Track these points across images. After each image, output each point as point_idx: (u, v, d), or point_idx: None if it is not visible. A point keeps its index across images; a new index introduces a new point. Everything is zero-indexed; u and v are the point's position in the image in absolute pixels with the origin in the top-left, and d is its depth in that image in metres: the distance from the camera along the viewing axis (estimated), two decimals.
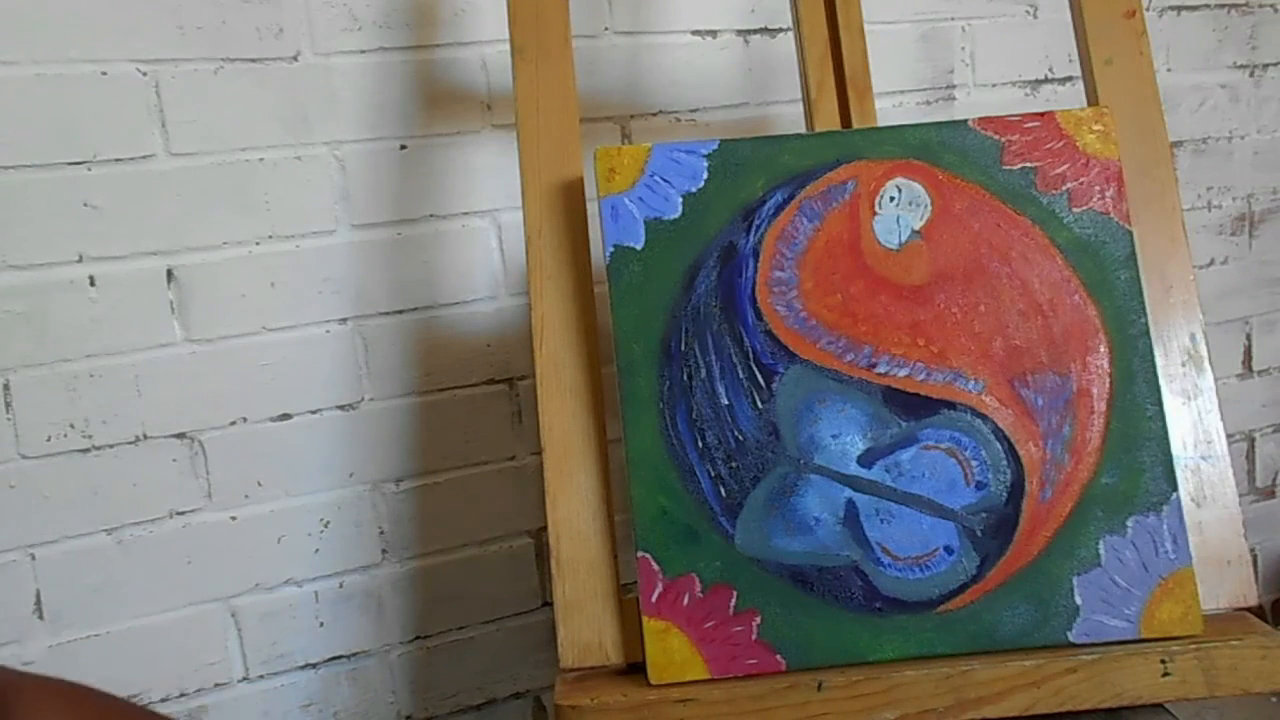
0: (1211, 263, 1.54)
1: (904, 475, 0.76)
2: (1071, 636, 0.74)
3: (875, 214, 0.80)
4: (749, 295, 0.79)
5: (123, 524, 1.02)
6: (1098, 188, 0.79)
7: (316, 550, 1.10)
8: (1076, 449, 0.76)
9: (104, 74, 0.99)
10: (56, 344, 0.99)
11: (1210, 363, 0.81)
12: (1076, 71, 0.91)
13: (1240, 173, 1.55)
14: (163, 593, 1.04)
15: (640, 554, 0.76)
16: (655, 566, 0.75)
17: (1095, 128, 0.80)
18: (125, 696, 1.03)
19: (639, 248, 0.79)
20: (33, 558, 0.98)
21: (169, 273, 1.02)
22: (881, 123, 0.91)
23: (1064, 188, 0.79)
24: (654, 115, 1.21)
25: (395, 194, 1.11)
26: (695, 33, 1.22)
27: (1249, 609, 0.77)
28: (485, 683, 1.19)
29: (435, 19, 1.11)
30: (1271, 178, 1.57)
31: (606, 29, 1.19)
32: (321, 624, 1.11)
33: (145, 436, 1.02)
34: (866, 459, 0.76)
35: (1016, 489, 0.76)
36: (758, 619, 0.75)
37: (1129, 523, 0.75)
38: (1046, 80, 1.41)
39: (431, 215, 1.13)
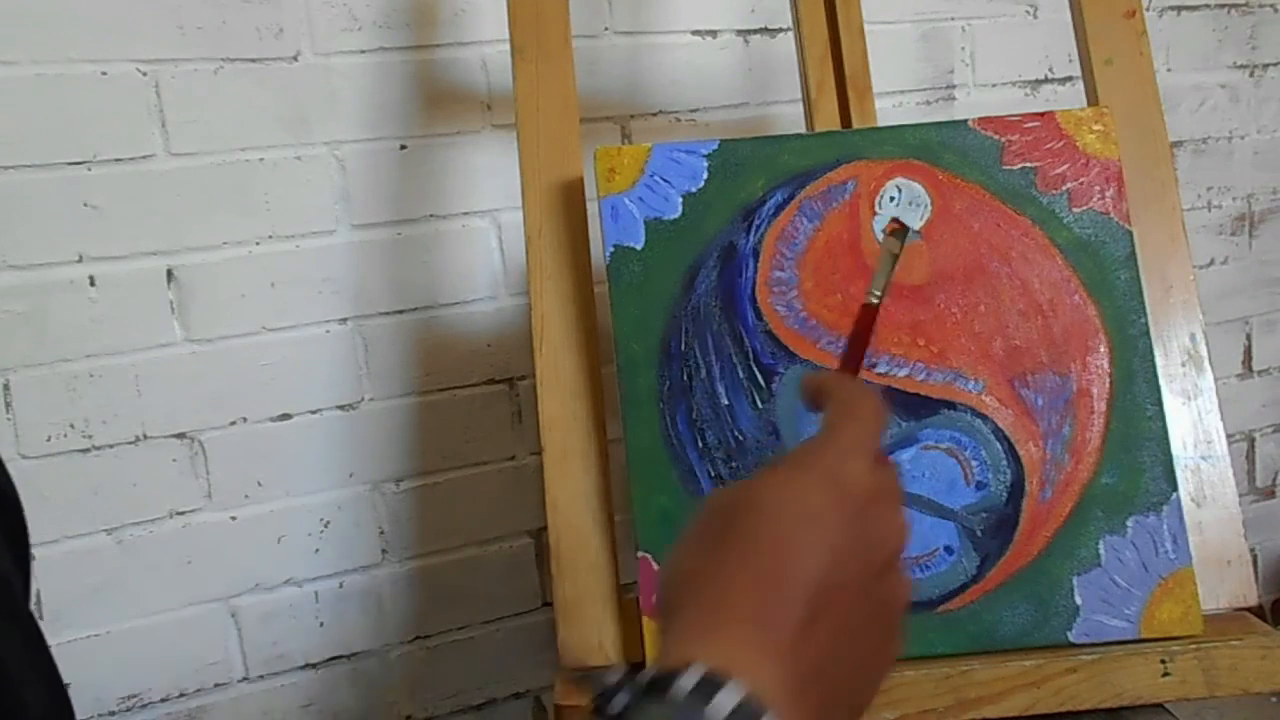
0: (1211, 263, 1.54)
1: (904, 475, 0.76)
2: (1071, 636, 0.74)
3: (875, 214, 0.80)
4: (749, 295, 0.79)
5: (123, 524, 1.02)
6: (1098, 188, 0.79)
7: (316, 550, 1.10)
8: (1076, 449, 0.76)
9: (104, 74, 0.99)
10: (56, 344, 0.99)
11: (1210, 363, 0.81)
12: (1076, 71, 0.91)
13: (1240, 173, 1.55)
14: (163, 593, 1.04)
15: (640, 554, 0.76)
16: (655, 567, 0.75)
17: (1095, 128, 0.80)
18: (125, 696, 1.03)
19: (639, 248, 0.79)
20: (33, 558, 0.98)
21: (169, 273, 1.02)
22: (881, 123, 0.91)
23: (1064, 188, 0.79)
24: (654, 115, 1.21)
25: (395, 194, 1.11)
26: (695, 33, 1.22)
27: (1249, 609, 0.77)
28: (485, 683, 1.19)
29: (435, 19, 1.11)
30: (1271, 178, 1.57)
31: (606, 29, 1.19)
32: (321, 624, 1.11)
33: (145, 436, 1.02)
34: None
35: (1016, 489, 0.76)
36: None
37: (1129, 523, 0.75)
38: (1046, 80, 1.41)
39: (431, 215, 1.13)
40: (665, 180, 0.80)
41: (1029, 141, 0.80)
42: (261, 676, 1.09)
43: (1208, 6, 1.50)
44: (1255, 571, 1.30)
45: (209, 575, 1.06)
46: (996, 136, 0.80)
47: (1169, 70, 1.47)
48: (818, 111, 0.90)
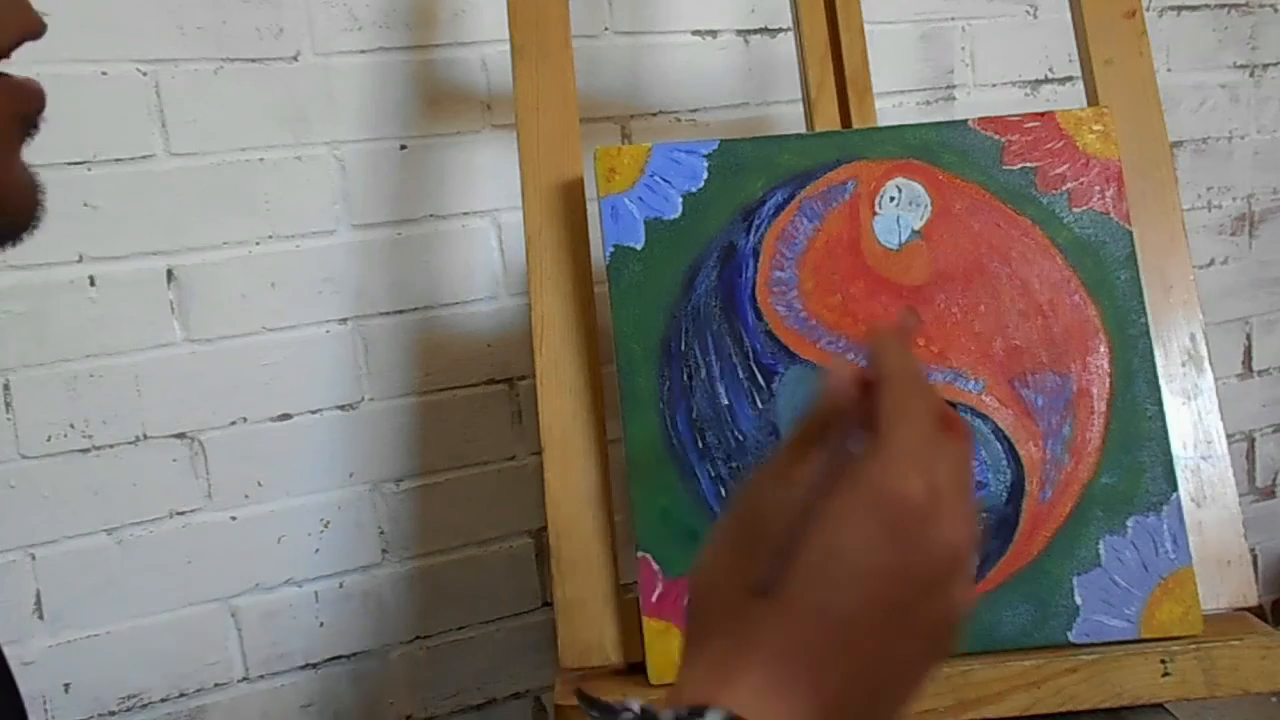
0: (1211, 263, 1.54)
1: None
2: (1071, 636, 0.74)
3: (875, 214, 0.80)
4: (749, 295, 0.79)
5: (123, 524, 1.02)
6: (1098, 188, 0.79)
7: (316, 550, 1.10)
8: (1076, 449, 0.76)
9: (104, 74, 0.99)
10: (56, 344, 0.99)
11: (1210, 363, 0.81)
12: (1076, 71, 0.91)
13: (1240, 173, 1.55)
14: (163, 593, 1.04)
15: (640, 554, 0.76)
16: (655, 567, 0.75)
17: (1095, 128, 0.80)
18: (125, 696, 1.03)
19: (639, 248, 0.79)
20: (33, 558, 0.98)
21: (169, 273, 1.02)
22: (881, 123, 0.91)
23: (1064, 188, 0.79)
24: (654, 115, 1.21)
25: (395, 194, 1.11)
26: (695, 33, 1.22)
27: (1249, 609, 0.77)
28: (485, 683, 1.19)
29: (435, 19, 1.11)
30: (1271, 178, 1.57)
31: (606, 29, 1.19)
32: (321, 624, 1.11)
33: (145, 436, 1.02)
34: None
35: (1016, 489, 0.76)
36: None
37: (1129, 523, 0.75)
38: (1046, 80, 1.41)
39: (431, 215, 1.13)
40: (665, 180, 0.80)
41: (1029, 141, 0.80)
42: (261, 676, 1.09)
43: (1208, 6, 1.50)
44: (1255, 571, 1.30)
45: (209, 575, 1.06)
46: (996, 136, 0.80)
47: (1169, 70, 1.47)
48: (818, 111, 0.90)
